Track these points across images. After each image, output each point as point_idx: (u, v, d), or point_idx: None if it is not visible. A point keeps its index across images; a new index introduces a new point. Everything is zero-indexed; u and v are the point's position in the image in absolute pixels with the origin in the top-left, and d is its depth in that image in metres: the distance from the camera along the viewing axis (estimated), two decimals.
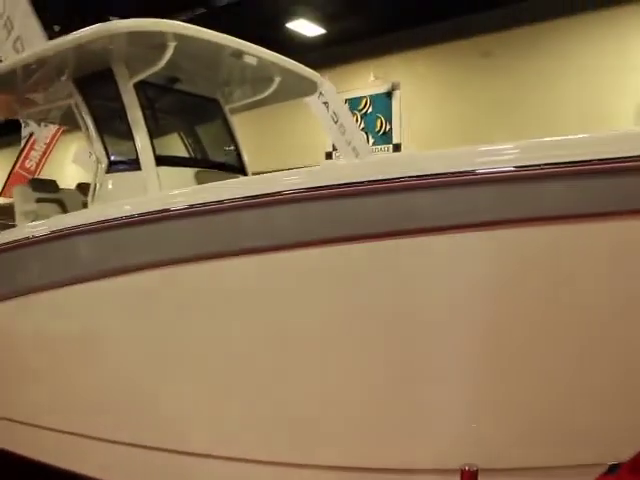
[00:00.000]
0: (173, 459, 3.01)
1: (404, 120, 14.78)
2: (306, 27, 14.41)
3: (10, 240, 3.89)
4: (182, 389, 3.02)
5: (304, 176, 2.66)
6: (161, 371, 3.11)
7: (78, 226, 3.38)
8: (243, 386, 2.82)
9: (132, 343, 3.24)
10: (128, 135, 3.98)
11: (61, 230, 3.50)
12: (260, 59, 4.19)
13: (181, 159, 4.64)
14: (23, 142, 12.98)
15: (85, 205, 5.07)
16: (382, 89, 15.04)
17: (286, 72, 4.51)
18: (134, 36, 3.75)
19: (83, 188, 5.41)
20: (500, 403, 2.45)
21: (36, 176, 12.79)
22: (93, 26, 3.74)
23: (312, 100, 8.03)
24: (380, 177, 2.46)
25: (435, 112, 14.23)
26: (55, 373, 3.60)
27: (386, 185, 2.44)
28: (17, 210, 4.86)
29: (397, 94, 14.93)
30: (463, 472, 2.36)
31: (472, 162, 2.37)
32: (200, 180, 3.99)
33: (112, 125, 4.33)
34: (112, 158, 4.12)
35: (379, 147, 14.65)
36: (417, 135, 14.32)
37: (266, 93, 4.68)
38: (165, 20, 3.77)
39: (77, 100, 4.29)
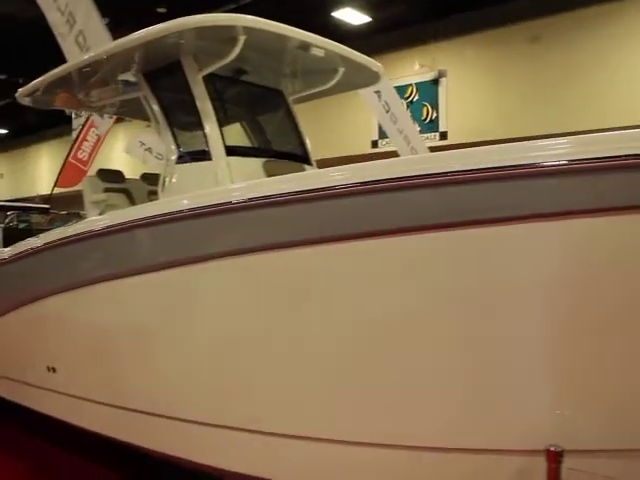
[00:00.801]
0: (265, 440, 3.11)
1: (450, 108, 14.69)
2: (352, 15, 14.42)
3: (94, 229, 4.02)
4: (276, 374, 3.10)
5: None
6: (244, 356, 3.19)
7: (163, 215, 3.48)
8: (338, 369, 2.89)
9: (209, 329, 3.35)
10: (198, 126, 4.08)
11: (143, 219, 3.62)
12: (326, 51, 4.25)
13: (249, 149, 4.73)
14: (74, 134, 13.26)
15: (150, 194, 5.23)
16: (428, 77, 14.98)
17: (350, 63, 4.56)
18: (205, 31, 3.84)
19: (147, 178, 5.55)
20: (586, 385, 2.48)
21: (89, 166, 13.08)
22: (165, 23, 3.83)
23: (363, 89, 8.05)
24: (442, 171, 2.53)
25: (482, 99, 14.12)
26: (142, 358, 3.74)
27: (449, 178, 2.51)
28: (86, 200, 5.00)
29: (443, 81, 14.85)
30: (548, 452, 2.41)
31: (533, 155, 2.42)
32: (268, 169, 4.07)
33: (181, 117, 4.43)
34: (181, 149, 4.22)
35: (425, 135, 14.58)
36: (464, 123, 14.23)
37: (330, 84, 4.74)
38: (236, 14, 3.85)
39: (147, 93, 4.41)
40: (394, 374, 2.73)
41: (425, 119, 14.99)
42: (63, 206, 9.89)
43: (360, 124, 15.04)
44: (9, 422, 6.01)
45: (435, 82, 14.95)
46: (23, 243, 4.87)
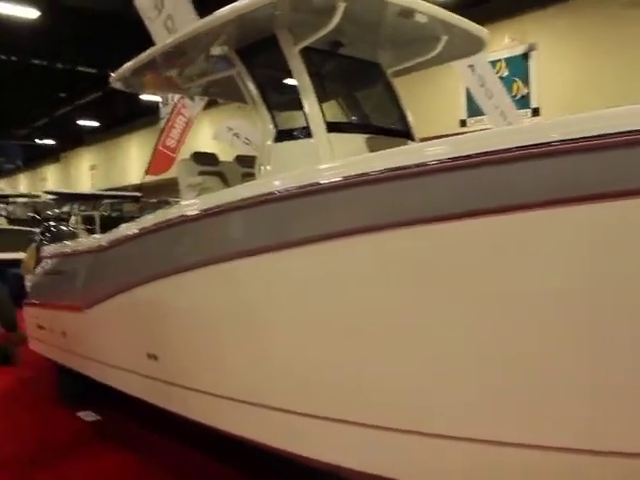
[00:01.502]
0: (387, 437, 2.89)
1: (542, 83, 14.03)
2: None
3: (190, 213, 3.91)
4: (397, 363, 2.86)
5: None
6: (360, 343, 2.97)
7: (261, 196, 3.32)
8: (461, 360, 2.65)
9: (324, 312, 3.14)
10: (295, 103, 3.89)
11: (240, 202, 3.47)
12: (430, 16, 3.96)
13: (351, 125, 4.52)
14: (162, 122, 13.40)
15: (245, 177, 5.10)
16: (518, 51, 14.37)
17: (454, 30, 4.24)
18: (300, 0, 3.64)
19: (241, 160, 5.44)
20: None
21: (177, 154, 13.21)
22: None
23: (458, 63, 7.69)
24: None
25: (577, 72, 13.40)
26: (246, 346, 3.59)
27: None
28: (182, 183, 4.93)
29: (534, 55, 14.21)
30: None
31: None
32: (371, 146, 3.85)
33: (278, 93, 4.28)
34: (279, 127, 4.04)
35: None
36: (557, 98, 13.56)
37: (431, 54, 4.44)
38: None
39: (240, 70, 4.24)
40: (549, 369, 2.44)
41: (515, 95, 14.33)
42: (152, 194, 10.02)
43: (448, 102, 14.62)
44: (111, 408, 6.10)
45: (525, 56, 14.34)
46: (120, 229, 4.85)
